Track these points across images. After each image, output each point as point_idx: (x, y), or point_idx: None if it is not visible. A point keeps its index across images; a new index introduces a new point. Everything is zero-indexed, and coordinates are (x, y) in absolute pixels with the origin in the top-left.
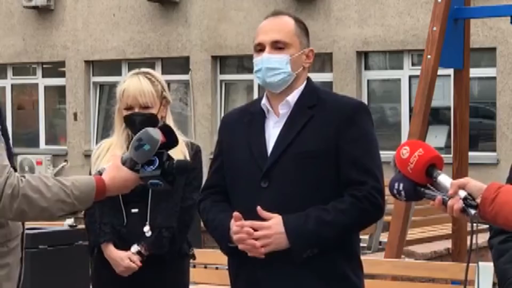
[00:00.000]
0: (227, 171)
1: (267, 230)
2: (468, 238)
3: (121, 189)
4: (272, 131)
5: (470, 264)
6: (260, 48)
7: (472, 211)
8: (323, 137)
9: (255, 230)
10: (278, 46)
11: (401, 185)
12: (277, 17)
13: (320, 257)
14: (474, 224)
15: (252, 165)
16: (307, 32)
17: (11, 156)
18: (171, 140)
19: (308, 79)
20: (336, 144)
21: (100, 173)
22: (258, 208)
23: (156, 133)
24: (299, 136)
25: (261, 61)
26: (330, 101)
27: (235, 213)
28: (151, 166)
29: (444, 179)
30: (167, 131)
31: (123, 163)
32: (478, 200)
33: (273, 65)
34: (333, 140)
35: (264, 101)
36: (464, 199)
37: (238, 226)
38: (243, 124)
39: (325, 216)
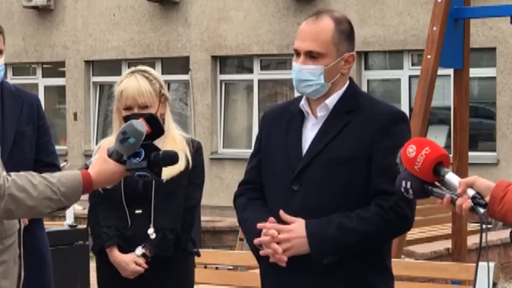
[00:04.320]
0: (263, 169)
1: (288, 234)
2: (468, 238)
3: (107, 182)
4: (309, 133)
5: (471, 264)
6: (297, 52)
7: (481, 210)
8: (358, 144)
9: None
10: (312, 55)
11: (409, 183)
12: (316, 21)
13: (346, 265)
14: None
15: (286, 166)
16: (350, 35)
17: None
18: (156, 130)
19: (351, 82)
20: (369, 152)
21: (87, 166)
22: (281, 212)
23: (140, 126)
24: (333, 141)
25: (294, 71)
26: (369, 107)
27: (270, 219)
28: (137, 158)
29: (452, 177)
30: (151, 121)
31: (109, 155)
32: (487, 199)
33: (305, 77)
34: (367, 148)
35: (303, 102)
36: (473, 198)
37: (261, 228)
38: (282, 123)
39: (347, 223)
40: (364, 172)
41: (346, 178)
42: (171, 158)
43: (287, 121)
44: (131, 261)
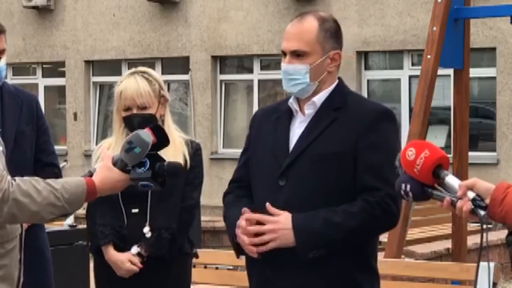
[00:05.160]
0: (250, 166)
1: (274, 225)
2: (468, 238)
3: (111, 190)
4: (297, 130)
5: (471, 264)
6: (284, 53)
7: (482, 212)
8: (343, 140)
9: (263, 224)
10: (297, 54)
11: (408, 186)
12: (300, 22)
13: (331, 261)
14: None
15: (272, 162)
16: (335, 33)
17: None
18: (162, 140)
19: (340, 80)
20: (355, 148)
21: (91, 173)
22: (267, 204)
23: (146, 136)
24: (319, 137)
25: (281, 71)
26: (356, 105)
27: (244, 209)
28: (142, 168)
29: (452, 179)
30: (157, 131)
31: (114, 163)
32: (487, 201)
33: (291, 76)
34: (353, 144)
35: (292, 100)
36: (473, 200)
37: (248, 218)
38: (271, 121)
39: (334, 218)
40: (350, 168)
41: (332, 174)
42: (176, 169)
43: (275, 119)
44: (126, 259)
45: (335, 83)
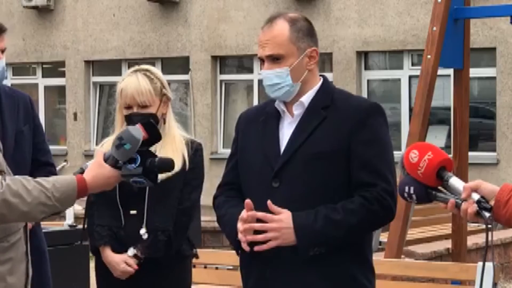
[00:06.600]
0: (240, 169)
1: (277, 223)
2: (468, 238)
3: (103, 187)
4: (286, 131)
5: (471, 264)
6: (261, 60)
7: (487, 214)
8: (335, 138)
9: (266, 222)
10: (274, 58)
11: (412, 188)
12: (270, 26)
13: (329, 258)
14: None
15: (264, 165)
16: (308, 31)
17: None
18: (153, 136)
19: (324, 79)
20: (348, 145)
21: (82, 170)
22: (269, 202)
23: (137, 132)
24: (310, 137)
25: (262, 78)
26: (344, 102)
27: (247, 201)
28: (133, 164)
29: (456, 181)
30: (149, 127)
31: (105, 160)
32: (492, 203)
33: (273, 81)
34: (345, 142)
35: (278, 101)
36: (478, 202)
37: (250, 216)
38: (258, 123)
39: (334, 215)
40: (343, 166)
41: (325, 173)
42: (167, 165)
43: (263, 121)
44: (121, 261)
45: (320, 82)
